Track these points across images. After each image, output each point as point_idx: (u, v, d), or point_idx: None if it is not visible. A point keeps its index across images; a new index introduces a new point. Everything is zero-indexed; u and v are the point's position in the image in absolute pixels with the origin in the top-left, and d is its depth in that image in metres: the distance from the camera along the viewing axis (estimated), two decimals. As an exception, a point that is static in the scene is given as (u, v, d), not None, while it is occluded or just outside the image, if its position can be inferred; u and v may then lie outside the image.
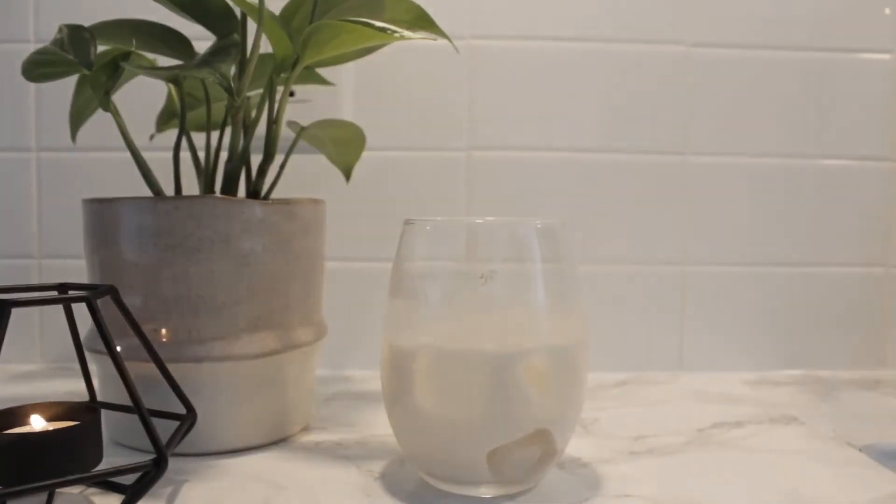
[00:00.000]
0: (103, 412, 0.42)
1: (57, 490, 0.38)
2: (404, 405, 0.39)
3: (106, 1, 0.56)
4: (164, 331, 0.45)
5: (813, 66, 0.71)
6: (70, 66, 0.44)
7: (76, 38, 0.44)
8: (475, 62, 0.71)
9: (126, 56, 0.46)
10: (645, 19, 0.71)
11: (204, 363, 0.45)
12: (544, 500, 0.40)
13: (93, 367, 0.46)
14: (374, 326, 0.43)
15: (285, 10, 0.52)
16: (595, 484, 0.42)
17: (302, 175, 0.62)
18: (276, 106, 0.50)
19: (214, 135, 0.53)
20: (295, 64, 0.48)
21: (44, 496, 0.37)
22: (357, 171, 0.59)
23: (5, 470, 0.34)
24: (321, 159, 0.59)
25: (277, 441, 0.49)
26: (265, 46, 0.47)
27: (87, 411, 0.39)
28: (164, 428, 0.39)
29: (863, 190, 0.72)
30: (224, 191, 0.49)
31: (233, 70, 0.48)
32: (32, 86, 0.70)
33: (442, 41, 0.51)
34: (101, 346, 0.44)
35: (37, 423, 0.38)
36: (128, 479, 0.37)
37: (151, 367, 0.42)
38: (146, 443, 0.37)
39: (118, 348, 0.38)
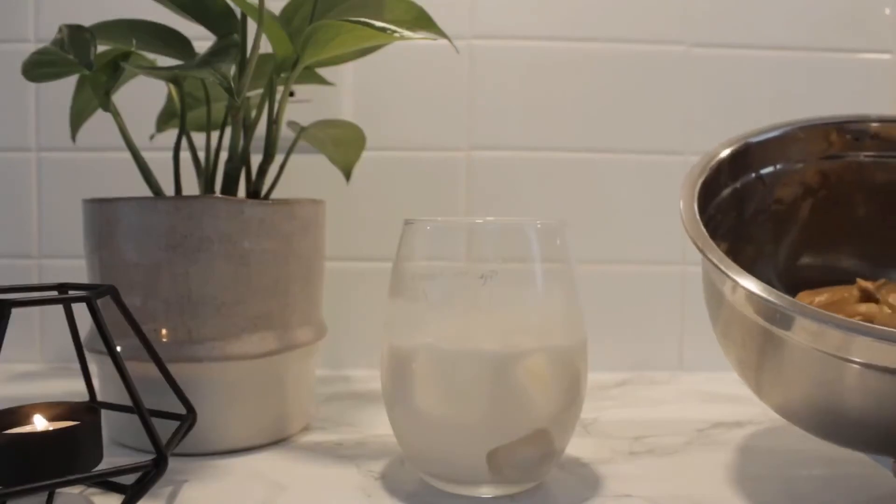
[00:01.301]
0: (103, 412, 0.42)
1: (57, 490, 0.38)
2: (404, 405, 0.39)
3: (106, 1, 0.56)
4: (164, 331, 0.45)
5: (813, 66, 0.71)
6: (70, 66, 0.44)
7: (76, 38, 0.44)
8: (475, 62, 0.71)
9: (126, 56, 0.46)
10: (645, 19, 0.71)
11: (204, 363, 0.45)
12: (544, 500, 0.40)
13: (93, 367, 0.46)
14: (374, 326, 0.43)
15: (285, 10, 0.52)
16: (595, 484, 0.42)
17: (302, 175, 0.62)
18: (276, 106, 0.50)
19: (214, 135, 0.53)
20: (295, 64, 0.48)
21: (44, 496, 0.37)
22: (357, 171, 0.59)
23: (5, 470, 0.34)
24: (321, 159, 0.59)
25: (277, 441, 0.49)
26: (265, 46, 0.47)
27: (87, 411, 0.39)
28: (164, 428, 0.39)
29: (863, 190, 0.72)
30: (224, 191, 0.49)
31: (233, 70, 0.48)
32: (32, 86, 0.70)
33: (442, 41, 0.51)
34: (101, 346, 0.44)
35: (38, 421, 0.38)
36: (128, 479, 0.37)
37: (151, 367, 0.42)
38: (146, 443, 0.37)
39: (118, 348, 0.38)
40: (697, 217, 0.42)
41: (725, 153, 0.48)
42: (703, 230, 0.41)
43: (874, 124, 0.50)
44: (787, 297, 0.36)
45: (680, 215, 0.42)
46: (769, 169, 0.50)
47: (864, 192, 0.51)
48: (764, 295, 0.36)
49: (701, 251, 0.40)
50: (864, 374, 0.35)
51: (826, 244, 0.52)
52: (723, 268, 0.38)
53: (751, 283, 0.36)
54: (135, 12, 0.51)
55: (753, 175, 0.49)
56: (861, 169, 0.50)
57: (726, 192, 0.48)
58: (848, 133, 0.50)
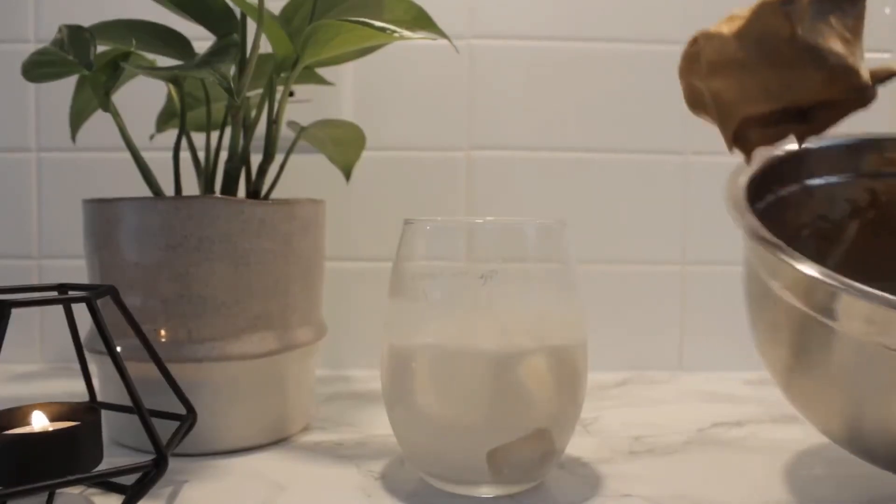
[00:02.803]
0: (103, 412, 0.42)
1: (57, 490, 0.38)
2: (404, 405, 0.39)
3: (106, 1, 0.56)
4: (163, 331, 0.45)
5: (813, 65, 0.71)
6: (70, 66, 0.44)
7: (76, 38, 0.44)
8: (475, 62, 0.71)
9: (126, 56, 0.46)
10: (645, 19, 0.71)
11: (204, 363, 0.45)
12: (544, 500, 0.40)
13: (93, 367, 0.46)
14: (374, 326, 0.43)
15: (285, 10, 0.52)
16: (595, 484, 0.42)
17: (302, 175, 0.62)
18: (276, 106, 0.50)
19: (214, 135, 0.53)
20: (295, 64, 0.48)
21: (44, 496, 0.37)
22: (357, 171, 0.59)
23: (5, 470, 0.34)
24: (321, 159, 0.59)
25: (277, 441, 0.49)
26: (265, 46, 0.47)
27: (87, 411, 0.39)
28: (164, 428, 0.39)
29: (863, 190, 0.72)
30: (224, 191, 0.49)
31: (233, 70, 0.48)
32: (32, 86, 0.70)
33: (442, 41, 0.51)
34: (101, 346, 0.44)
35: (38, 421, 0.38)
36: (128, 479, 0.36)
37: (151, 367, 0.42)
38: (146, 443, 0.37)
39: (118, 348, 0.38)
40: (746, 204, 0.38)
41: (780, 153, 0.45)
42: (755, 220, 0.37)
43: None
44: (843, 278, 0.33)
45: (727, 202, 0.39)
46: (818, 181, 0.47)
47: None
48: (819, 276, 0.33)
49: (747, 235, 0.36)
50: None
51: (873, 271, 0.47)
52: (772, 250, 0.35)
53: (806, 266, 0.34)
54: (135, 12, 0.51)
55: (799, 185, 0.46)
56: None
57: (770, 197, 0.45)
58: None
